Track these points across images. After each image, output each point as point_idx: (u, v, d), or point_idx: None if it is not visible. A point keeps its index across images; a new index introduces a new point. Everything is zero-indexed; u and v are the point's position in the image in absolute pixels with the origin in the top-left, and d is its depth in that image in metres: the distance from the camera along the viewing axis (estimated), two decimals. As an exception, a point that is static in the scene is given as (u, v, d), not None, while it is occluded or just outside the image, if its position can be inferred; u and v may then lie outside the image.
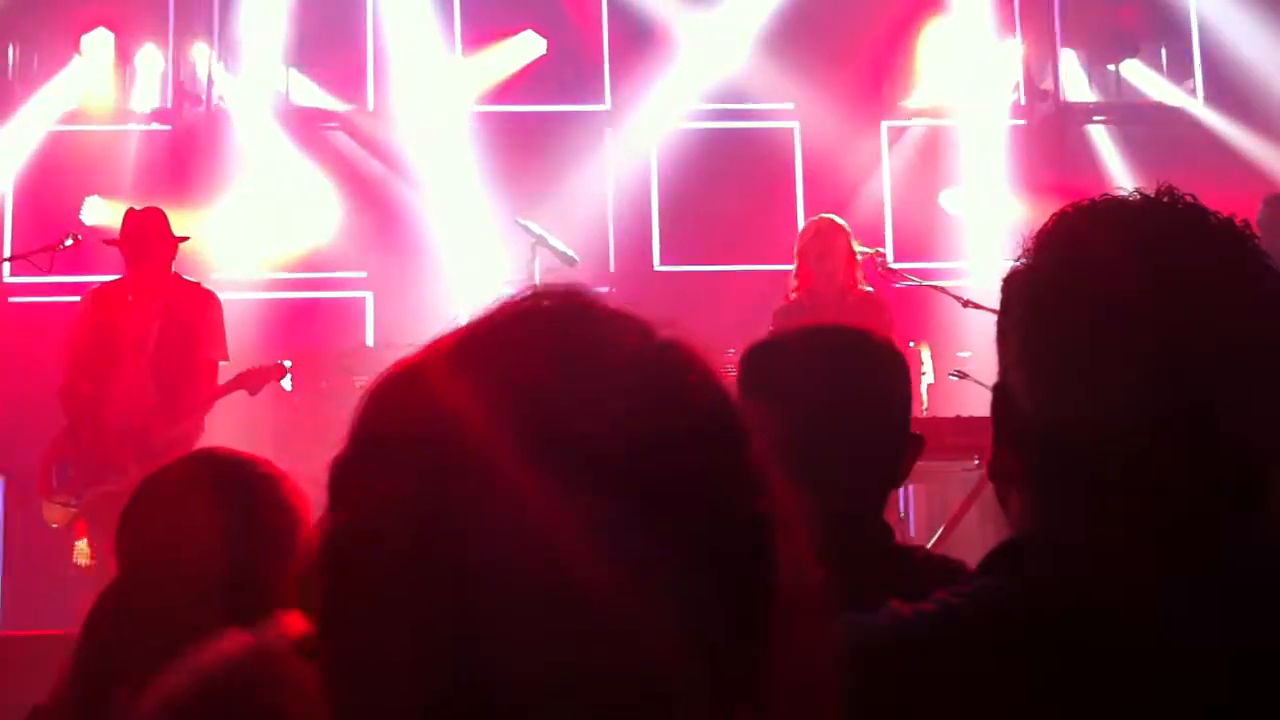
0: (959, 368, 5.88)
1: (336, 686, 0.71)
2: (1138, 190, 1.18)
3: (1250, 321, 1.12)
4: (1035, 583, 1.11)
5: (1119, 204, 1.17)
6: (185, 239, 6.01)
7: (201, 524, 1.78)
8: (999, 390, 1.20)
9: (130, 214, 5.91)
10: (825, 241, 5.95)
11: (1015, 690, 1.07)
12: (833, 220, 6.10)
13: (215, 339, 5.86)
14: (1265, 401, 1.12)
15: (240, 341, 6.41)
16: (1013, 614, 1.10)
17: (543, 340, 0.74)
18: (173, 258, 5.89)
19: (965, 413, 5.42)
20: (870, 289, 6.03)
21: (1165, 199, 1.16)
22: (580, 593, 0.66)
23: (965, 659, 1.08)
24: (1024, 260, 1.18)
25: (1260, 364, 1.12)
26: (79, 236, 5.90)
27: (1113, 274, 1.12)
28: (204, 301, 5.90)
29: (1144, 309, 1.10)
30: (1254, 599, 1.09)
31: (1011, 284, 1.19)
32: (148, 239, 5.77)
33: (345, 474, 0.74)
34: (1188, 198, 1.16)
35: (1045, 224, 1.18)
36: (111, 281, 5.95)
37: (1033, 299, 1.17)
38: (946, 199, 8.42)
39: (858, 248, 6.05)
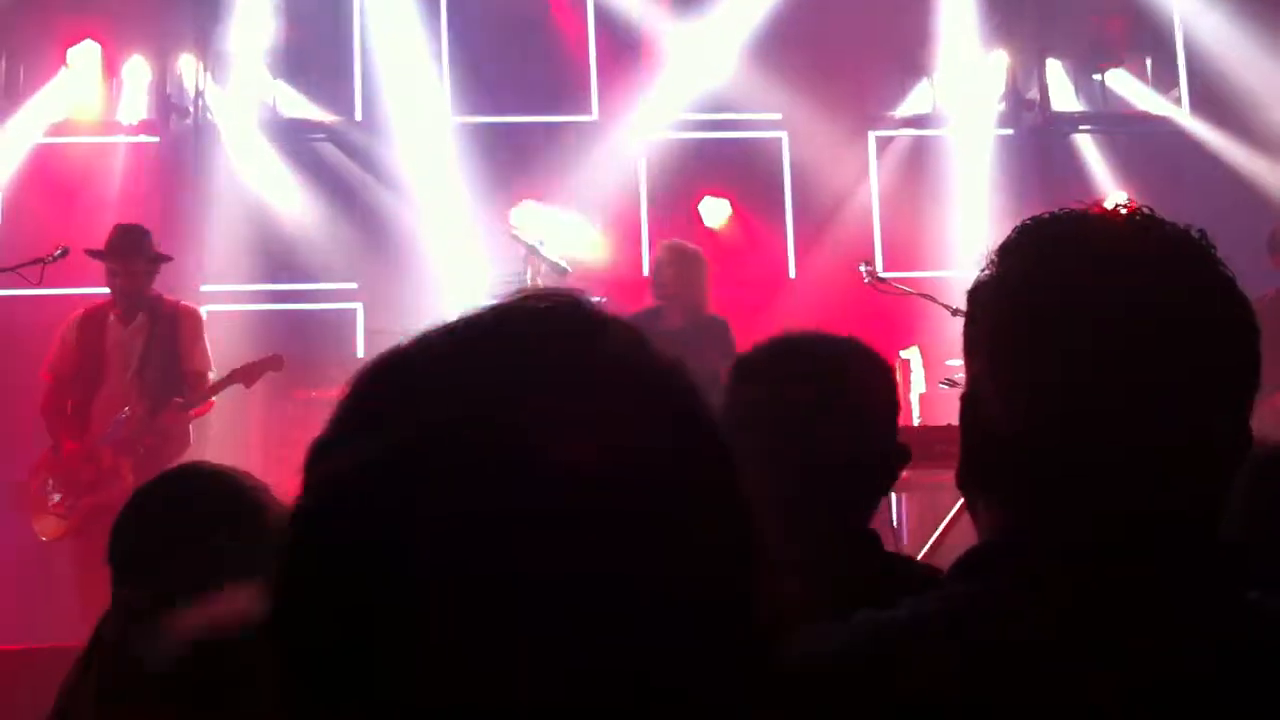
0: (949, 376, 5.89)
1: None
2: (1096, 203, 1.22)
3: (1211, 332, 1.14)
4: (1001, 590, 1.13)
5: (1079, 216, 1.21)
6: (169, 259, 6.06)
7: (190, 537, 1.79)
8: (967, 400, 1.23)
9: (116, 230, 5.95)
10: (676, 264, 6.18)
11: (980, 698, 1.08)
12: (685, 245, 6.39)
13: (199, 352, 5.95)
14: (1230, 410, 1.15)
15: (230, 353, 6.39)
16: (978, 621, 1.11)
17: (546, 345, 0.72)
18: (155, 276, 5.94)
19: (956, 421, 5.42)
20: (721, 317, 6.16)
21: (1123, 210, 1.20)
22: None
23: (931, 666, 1.09)
24: (988, 272, 1.21)
25: (1222, 372, 1.15)
26: (68, 249, 5.90)
27: (1074, 286, 1.15)
28: (187, 317, 5.97)
29: (1106, 321, 1.13)
30: (1215, 603, 1.11)
31: (977, 296, 1.22)
32: (132, 256, 5.82)
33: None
34: (1145, 209, 1.20)
35: (1008, 237, 1.21)
36: (96, 302, 6.01)
37: (997, 311, 1.20)
38: (934, 209, 8.45)
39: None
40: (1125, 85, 8.76)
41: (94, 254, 5.91)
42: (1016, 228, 1.21)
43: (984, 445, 1.20)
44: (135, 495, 1.91)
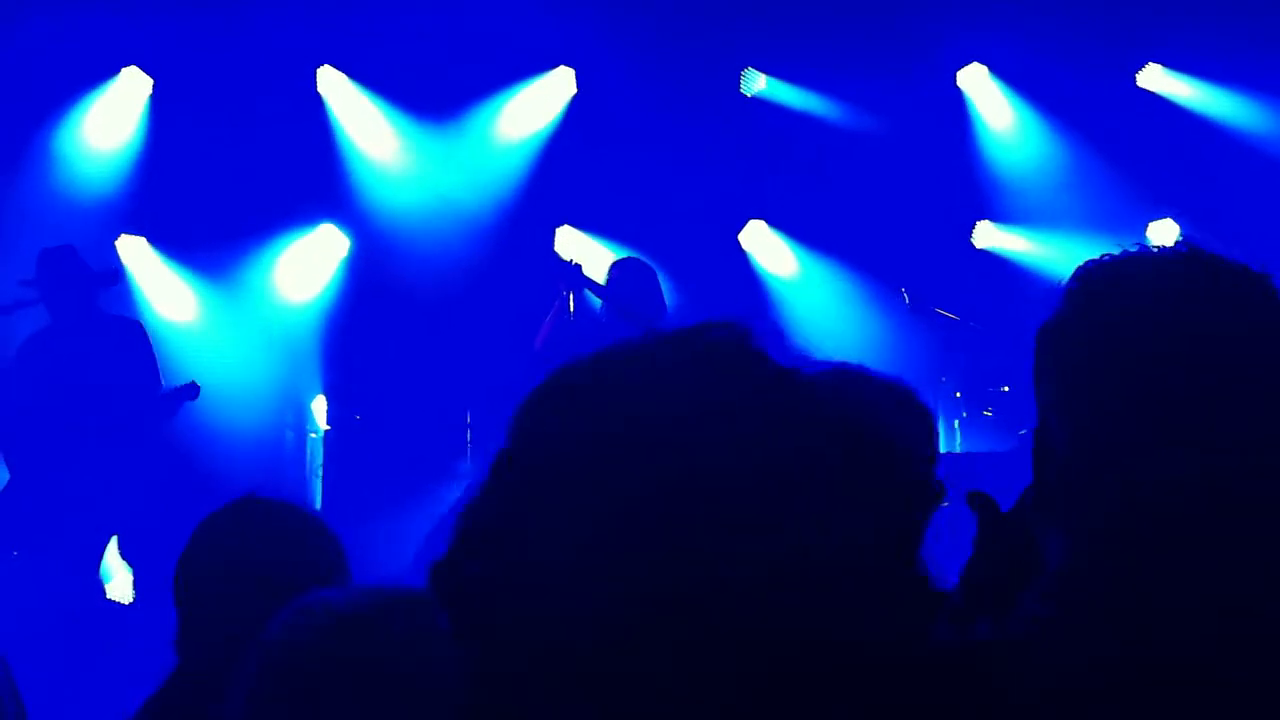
0: (992, 404, 5.86)
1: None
2: (1163, 244, 1.25)
3: (1273, 377, 1.17)
4: (1059, 620, 1.14)
5: (1145, 257, 1.24)
6: (109, 274, 5.89)
7: (251, 565, 1.85)
8: (1038, 430, 1.26)
9: (43, 254, 5.74)
10: (640, 280, 6.13)
11: None
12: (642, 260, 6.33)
13: (148, 368, 5.73)
14: None
15: (274, 373, 6.44)
16: (1038, 652, 1.12)
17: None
18: (94, 294, 5.73)
19: (998, 448, 5.40)
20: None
21: (1188, 251, 1.23)
22: None
23: (990, 695, 1.09)
24: (1055, 312, 1.25)
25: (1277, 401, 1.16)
26: (117, 271, 5.91)
27: (1138, 327, 1.19)
28: (130, 333, 5.77)
29: (1170, 363, 1.16)
30: (1264, 645, 1.11)
31: (1045, 333, 1.26)
32: (65, 280, 5.64)
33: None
34: (1209, 252, 1.23)
35: (1074, 274, 1.25)
36: (41, 330, 5.80)
37: (1064, 349, 1.23)
38: (977, 233, 8.39)
39: None
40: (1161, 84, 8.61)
41: (26, 282, 5.72)
42: (1081, 266, 1.25)
43: (1052, 475, 1.24)
44: (199, 528, 1.96)
